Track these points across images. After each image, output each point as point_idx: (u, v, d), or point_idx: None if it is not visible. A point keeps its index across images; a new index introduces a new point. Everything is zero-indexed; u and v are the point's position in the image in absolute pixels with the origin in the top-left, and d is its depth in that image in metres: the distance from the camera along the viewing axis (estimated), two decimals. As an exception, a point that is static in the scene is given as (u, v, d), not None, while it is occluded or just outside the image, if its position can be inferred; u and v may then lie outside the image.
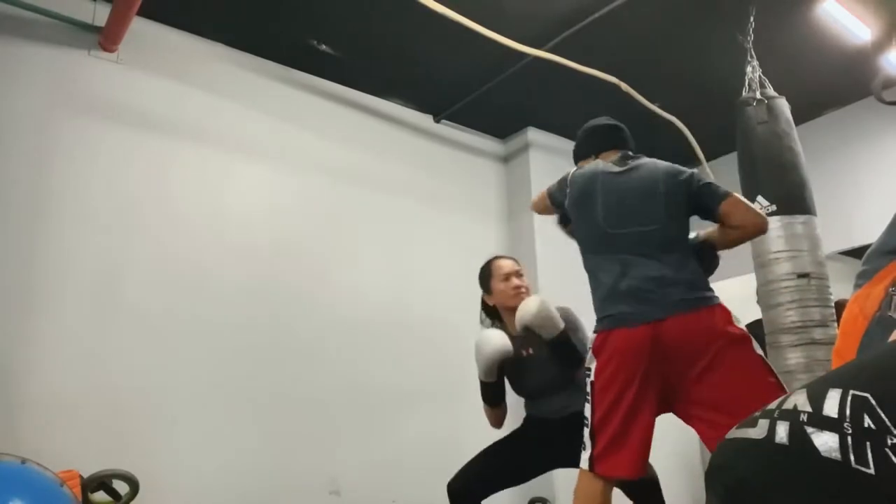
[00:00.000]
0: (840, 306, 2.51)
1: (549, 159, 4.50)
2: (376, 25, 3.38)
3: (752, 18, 3.15)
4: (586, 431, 1.82)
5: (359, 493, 3.33)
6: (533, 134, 4.53)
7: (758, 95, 2.98)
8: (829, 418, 0.59)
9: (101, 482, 2.28)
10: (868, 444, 0.56)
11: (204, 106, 3.35)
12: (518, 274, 2.44)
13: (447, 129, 4.41)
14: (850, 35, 3.48)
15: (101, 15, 3.03)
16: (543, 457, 2.35)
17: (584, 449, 1.82)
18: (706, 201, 1.93)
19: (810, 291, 2.73)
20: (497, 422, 2.46)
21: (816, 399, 0.62)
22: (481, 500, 2.29)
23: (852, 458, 0.55)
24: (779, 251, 2.80)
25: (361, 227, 3.78)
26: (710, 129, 3.93)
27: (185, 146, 3.25)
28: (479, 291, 2.56)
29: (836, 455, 0.56)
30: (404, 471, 3.53)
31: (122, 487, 2.33)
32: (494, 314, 2.54)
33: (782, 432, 0.61)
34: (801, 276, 2.74)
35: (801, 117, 3.23)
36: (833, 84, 4.04)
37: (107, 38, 3.01)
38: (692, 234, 2.03)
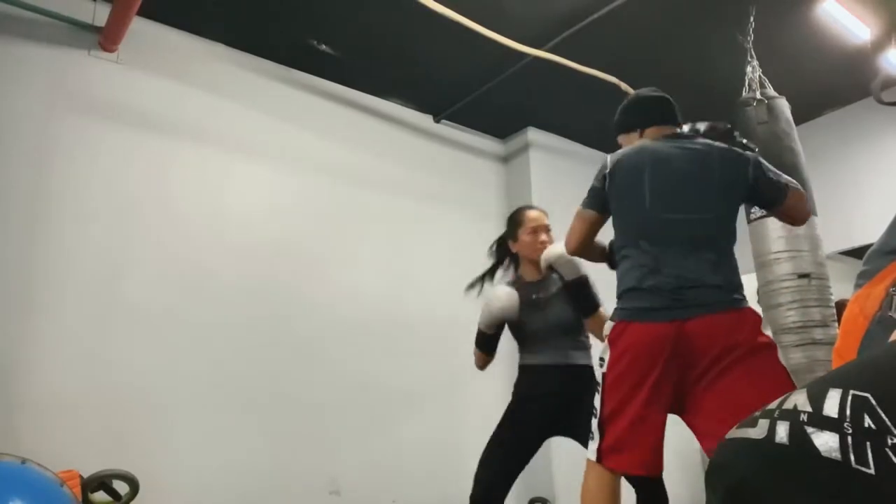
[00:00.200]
0: (840, 306, 2.51)
1: (549, 159, 4.50)
2: (376, 25, 3.38)
3: (752, 18, 3.15)
4: (594, 421, 1.77)
5: (359, 493, 3.33)
6: (533, 134, 4.53)
7: (758, 95, 2.98)
8: (829, 418, 0.59)
9: (101, 482, 2.28)
10: (868, 444, 0.55)
11: (204, 106, 3.35)
12: (546, 229, 2.42)
13: (447, 129, 4.41)
14: (849, 35, 3.48)
15: (101, 15, 3.03)
16: (547, 428, 2.33)
17: (592, 439, 1.77)
18: (770, 194, 1.82)
19: (811, 291, 2.73)
20: (483, 365, 2.48)
21: (816, 399, 0.61)
22: (504, 499, 2.27)
23: (852, 458, 0.55)
24: (779, 251, 2.80)
25: (361, 227, 3.78)
26: (710, 130, 3.93)
27: (185, 146, 3.25)
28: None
29: (837, 455, 0.56)
30: (404, 471, 3.53)
31: (122, 487, 2.33)
32: (512, 258, 2.53)
33: (782, 432, 0.61)
34: (802, 276, 2.74)
35: (801, 117, 3.23)
36: (833, 84, 4.04)
37: (107, 38, 3.01)
38: None
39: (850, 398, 0.59)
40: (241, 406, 3.10)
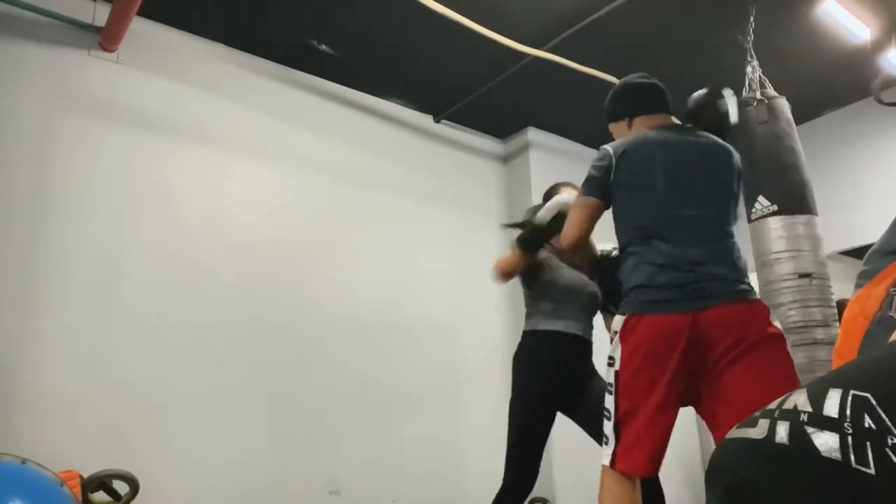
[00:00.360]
0: (842, 305, 2.51)
1: (549, 159, 4.50)
2: (376, 25, 3.38)
3: (752, 18, 3.15)
4: (609, 425, 1.67)
5: (359, 493, 3.33)
6: (533, 134, 4.53)
7: (758, 95, 2.97)
8: (829, 418, 0.59)
9: (101, 482, 2.28)
10: (868, 444, 0.55)
11: (204, 106, 3.35)
12: None
13: (447, 129, 4.41)
14: (849, 35, 3.48)
15: (101, 15, 3.03)
16: (559, 401, 2.27)
17: (606, 443, 1.67)
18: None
19: (812, 291, 2.73)
20: (511, 275, 2.30)
21: (817, 399, 0.61)
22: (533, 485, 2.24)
23: (853, 458, 0.55)
24: (780, 251, 2.79)
25: (361, 227, 3.78)
26: (711, 129, 3.93)
27: (185, 146, 3.25)
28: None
29: (837, 455, 0.56)
30: (404, 471, 3.53)
31: (122, 487, 2.33)
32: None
33: (782, 432, 0.61)
34: (803, 276, 2.74)
35: (801, 117, 3.23)
36: (833, 84, 4.04)
37: (107, 38, 3.01)
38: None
39: (850, 398, 0.59)
40: (241, 406, 3.10)
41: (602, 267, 2.06)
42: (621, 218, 1.83)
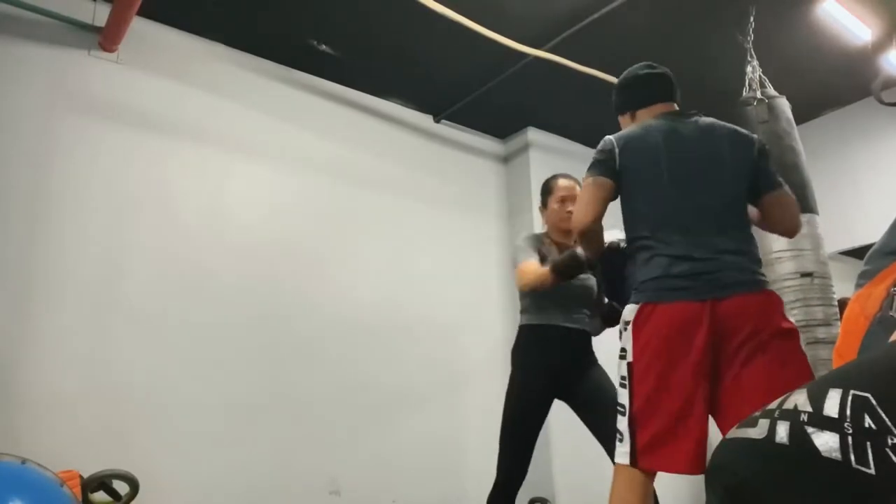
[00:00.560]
0: (843, 304, 2.51)
1: (549, 159, 4.49)
2: (376, 25, 3.38)
3: (752, 18, 3.15)
4: (623, 421, 1.58)
5: (359, 493, 3.33)
6: (533, 134, 4.53)
7: (758, 95, 2.97)
8: (829, 418, 0.59)
9: (101, 482, 2.28)
10: (868, 444, 0.55)
11: (204, 106, 3.35)
12: (574, 199, 2.37)
13: (447, 129, 4.40)
14: (849, 35, 3.48)
15: (101, 15, 3.03)
16: (555, 391, 2.30)
17: (621, 441, 1.58)
18: (761, 179, 1.74)
19: (813, 290, 2.73)
20: (531, 287, 2.25)
21: (817, 399, 0.61)
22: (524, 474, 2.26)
23: (853, 458, 0.55)
24: (781, 250, 2.79)
25: (361, 227, 3.78)
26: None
27: (185, 146, 3.24)
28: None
29: (837, 455, 0.56)
30: (404, 471, 3.53)
31: (122, 487, 2.33)
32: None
33: (782, 432, 0.61)
34: (804, 275, 2.73)
35: (801, 117, 3.23)
36: (833, 84, 4.04)
37: (107, 38, 3.01)
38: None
39: (850, 398, 0.59)
40: (240, 406, 3.09)
41: (609, 259, 1.96)
42: (630, 208, 1.77)
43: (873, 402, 0.58)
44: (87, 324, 2.78)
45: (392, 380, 3.63)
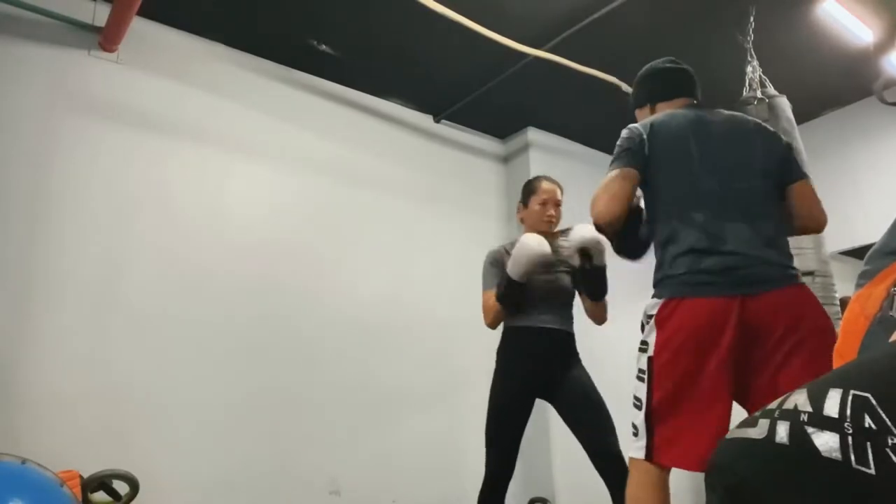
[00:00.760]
0: (845, 303, 2.51)
1: (549, 159, 4.49)
2: (376, 25, 3.38)
3: (752, 18, 3.15)
4: (639, 415, 1.55)
5: (359, 493, 3.33)
6: (533, 134, 4.53)
7: (758, 94, 2.97)
8: (829, 418, 0.59)
9: (101, 482, 2.28)
10: (869, 444, 0.55)
11: (204, 106, 3.35)
12: (556, 203, 2.44)
13: (447, 129, 4.40)
14: (850, 35, 3.48)
15: (101, 15, 3.03)
16: (538, 389, 2.34)
17: (636, 436, 1.55)
18: (786, 170, 1.70)
19: (815, 289, 2.71)
20: (497, 322, 2.36)
21: (817, 399, 0.61)
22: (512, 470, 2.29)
23: (853, 457, 0.55)
24: (781, 250, 2.79)
25: (361, 227, 3.78)
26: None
27: (185, 146, 3.24)
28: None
29: (837, 455, 0.56)
30: (404, 471, 3.53)
31: (122, 487, 2.33)
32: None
33: (783, 432, 0.61)
34: (806, 274, 2.73)
35: (801, 117, 3.22)
36: (833, 84, 4.04)
37: (107, 38, 3.01)
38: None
39: (850, 398, 0.59)
40: (241, 406, 3.09)
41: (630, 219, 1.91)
42: (656, 193, 1.72)
43: (873, 402, 0.58)
44: (87, 324, 2.78)
45: (392, 379, 3.63)
